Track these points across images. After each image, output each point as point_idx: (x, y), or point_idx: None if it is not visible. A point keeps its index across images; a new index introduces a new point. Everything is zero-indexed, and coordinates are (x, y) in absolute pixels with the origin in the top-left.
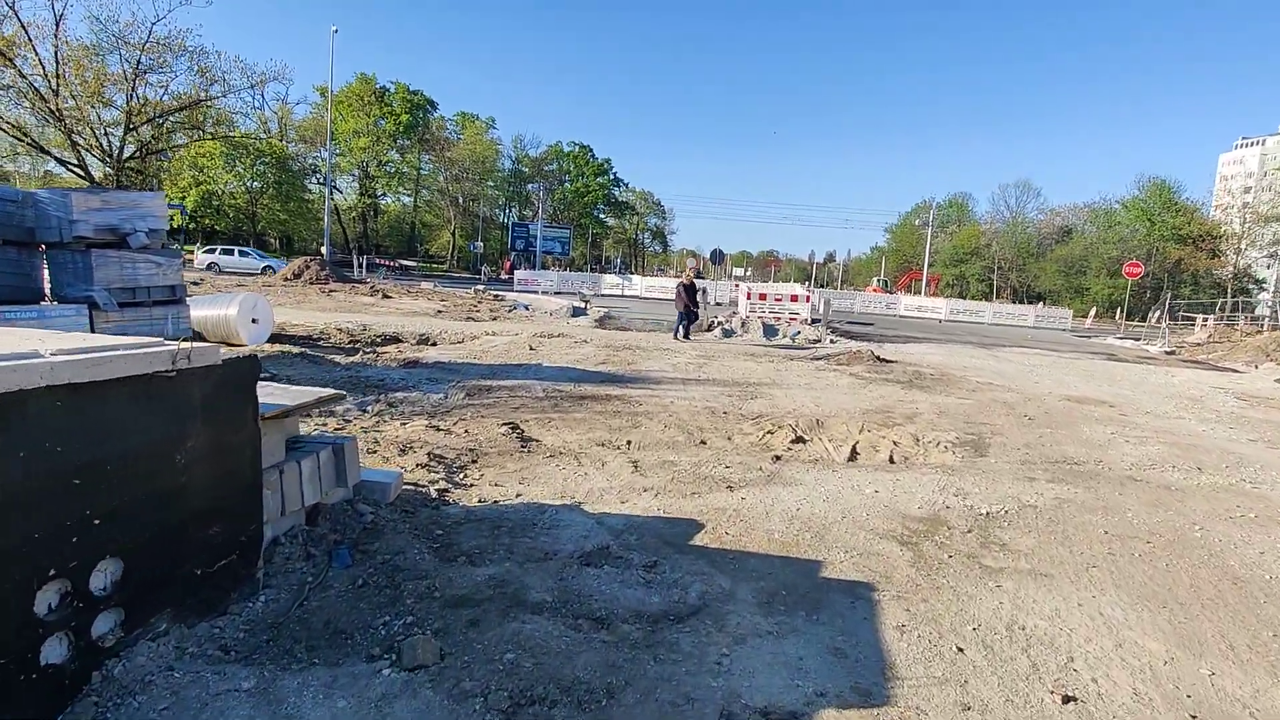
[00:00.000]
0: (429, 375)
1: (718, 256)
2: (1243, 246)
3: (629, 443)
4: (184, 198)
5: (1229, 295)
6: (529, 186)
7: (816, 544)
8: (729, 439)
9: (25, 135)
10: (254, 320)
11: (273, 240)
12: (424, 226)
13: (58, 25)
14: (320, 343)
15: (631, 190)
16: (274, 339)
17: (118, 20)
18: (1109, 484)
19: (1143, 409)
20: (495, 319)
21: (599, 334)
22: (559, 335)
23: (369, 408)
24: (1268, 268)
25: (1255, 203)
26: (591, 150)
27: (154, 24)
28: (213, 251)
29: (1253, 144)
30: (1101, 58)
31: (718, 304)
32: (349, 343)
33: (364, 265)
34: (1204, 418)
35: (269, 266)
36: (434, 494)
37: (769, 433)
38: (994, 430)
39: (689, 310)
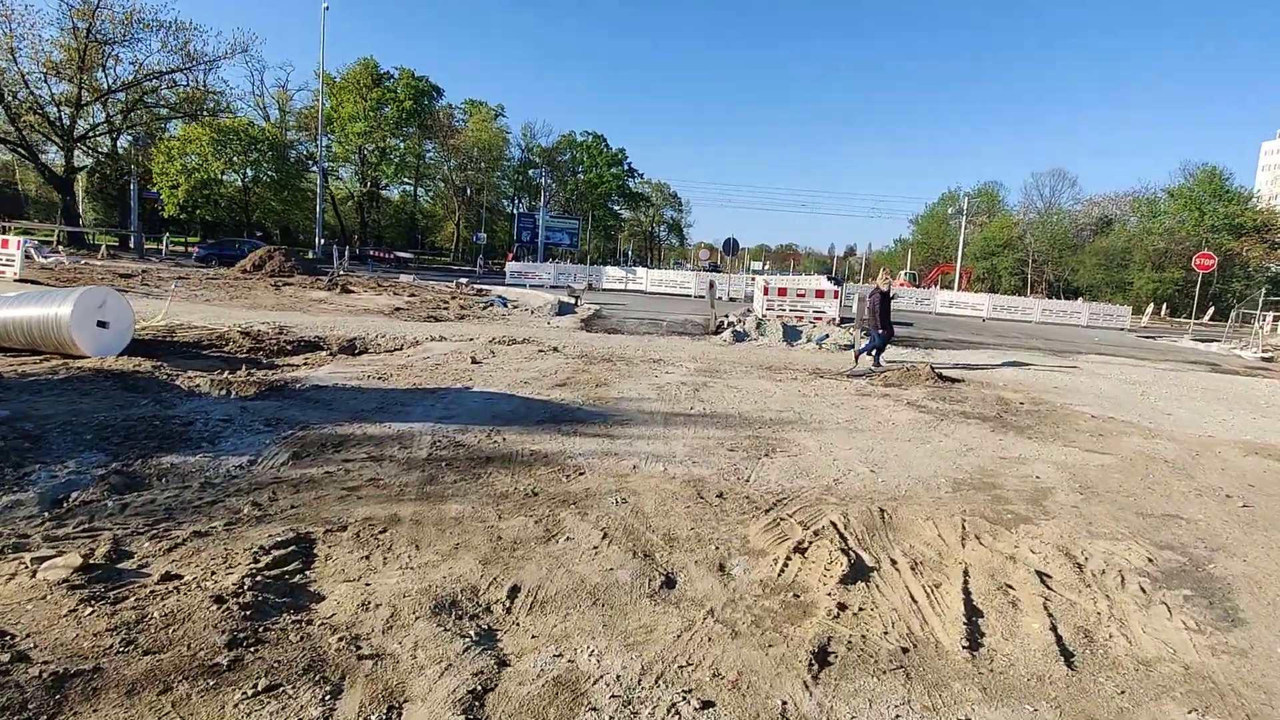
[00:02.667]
0: (279, 411)
1: (731, 246)
2: None
3: (511, 599)
4: (175, 187)
5: None
6: (531, 172)
7: None
8: (721, 571)
9: None
10: (102, 324)
11: (274, 231)
12: (425, 217)
13: None
14: (206, 352)
15: (647, 182)
16: (145, 347)
17: None
18: None
19: None
20: (462, 318)
21: (578, 338)
22: (524, 341)
23: (70, 498)
24: None
25: None
26: (605, 140)
27: None
28: (213, 246)
29: None
30: (1136, 43)
31: (729, 299)
32: (246, 351)
33: (340, 255)
34: None
35: None
36: None
37: (797, 551)
38: (1203, 537)
39: (881, 328)
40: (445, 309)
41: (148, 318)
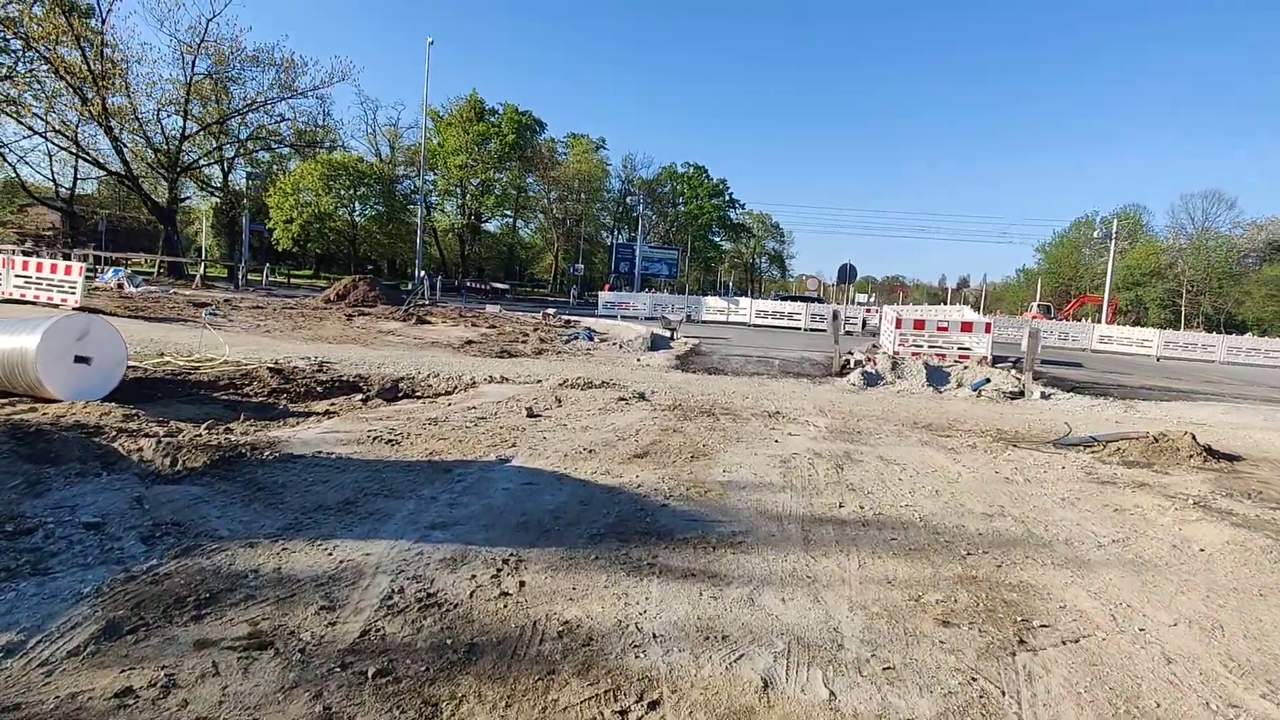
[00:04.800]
0: (190, 508)
1: (848, 274)
2: None
3: None
4: (289, 221)
5: None
6: (629, 200)
7: None
8: None
9: (74, 140)
10: (82, 359)
11: (381, 264)
12: (525, 248)
13: (104, 18)
14: (220, 393)
15: (749, 213)
16: (142, 388)
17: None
18: None
19: None
20: (539, 354)
21: (671, 381)
22: (603, 384)
23: None
24: None
25: None
26: (706, 171)
27: (209, 20)
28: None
29: None
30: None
31: (846, 332)
32: (268, 394)
33: (431, 286)
34: None
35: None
36: None
37: None
38: None
39: None
40: (523, 342)
41: (185, 352)
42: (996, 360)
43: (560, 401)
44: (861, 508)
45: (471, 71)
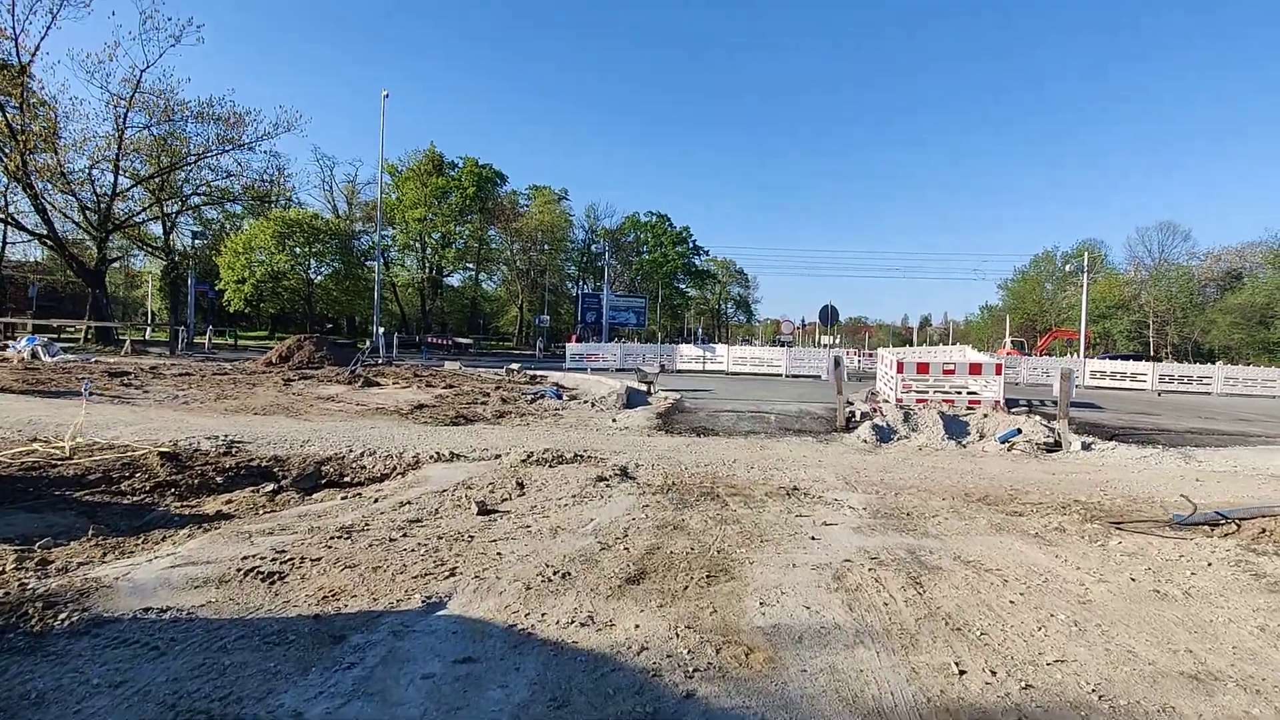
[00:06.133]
0: None
1: (829, 315)
2: None
3: None
4: (241, 282)
5: None
6: (593, 247)
7: None
8: None
9: None
10: None
11: (342, 323)
12: (488, 301)
13: (21, 71)
14: (83, 492)
15: (713, 259)
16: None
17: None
18: None
19: None
20: (500, 417)
21: (657, 447)
22: (576, 457)
23: None
24: None
25: None
26: (669, 219)
27: (143, 70)
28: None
29: None
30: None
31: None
32: (150, 489)
33: (387, 344)
34: None
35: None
36: None
37: None
38: None
39: None
40: (483, 404)
41: (70, 435)
42: (1009, 404)
43: (523, 486)
44: (993, 674)
45: (429, 128)
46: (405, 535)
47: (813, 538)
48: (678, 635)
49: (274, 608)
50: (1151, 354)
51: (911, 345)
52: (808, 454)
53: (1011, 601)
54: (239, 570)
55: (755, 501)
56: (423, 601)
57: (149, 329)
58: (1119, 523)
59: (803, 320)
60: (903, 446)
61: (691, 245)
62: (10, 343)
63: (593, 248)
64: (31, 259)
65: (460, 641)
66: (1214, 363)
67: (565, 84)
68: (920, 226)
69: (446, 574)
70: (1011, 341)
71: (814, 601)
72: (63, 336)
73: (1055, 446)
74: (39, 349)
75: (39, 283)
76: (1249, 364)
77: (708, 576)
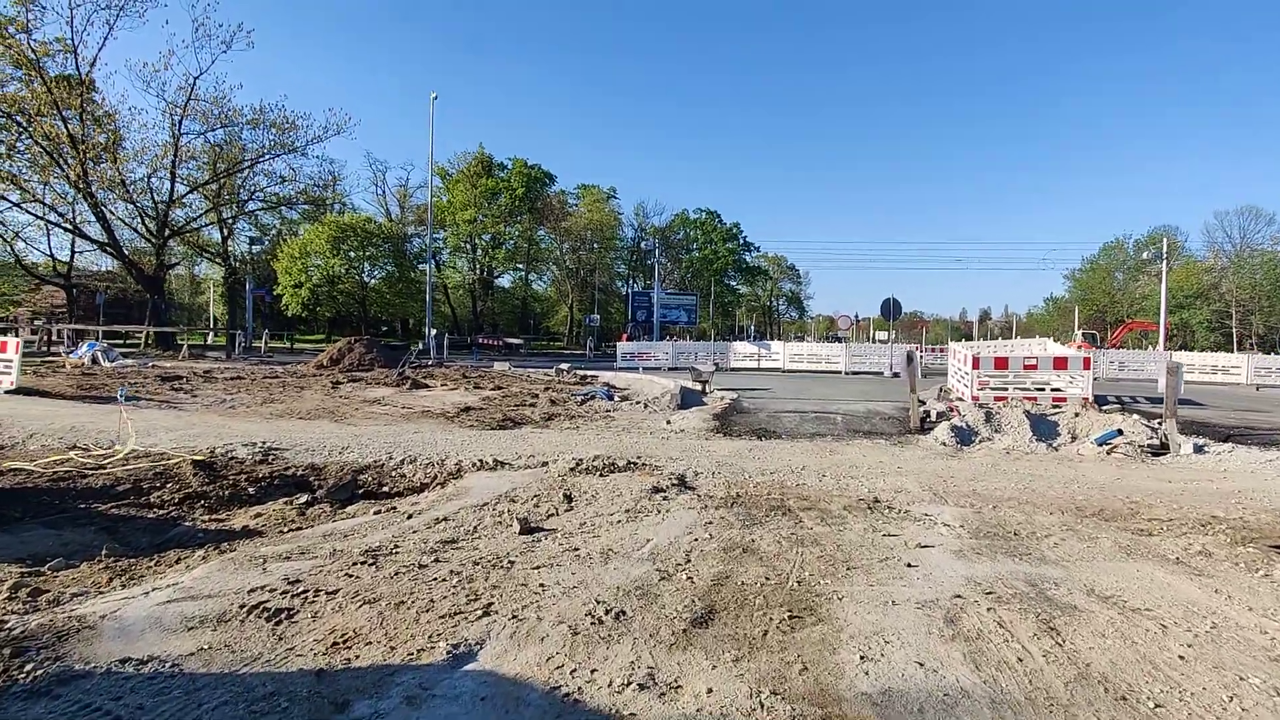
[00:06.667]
0: None
1: (891, 309)
2: None
3: None
4: (299, 286)
5: None
6: (642, 244)
7: None
8: None
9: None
10: None
11: (396, 325)
12: (538, 301)
13: (84, 84)
14: (111, 504)
15: (764, 255)
16: (17, 496)
17: (161, 78)
18: None
19: None
20: (549, 420)
21: (716, 452)
22: (629, 465)
23: None
24: None
25: None
26: (719, 216)
27: (196, 78)
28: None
29: None
30: None
31: (894, 374)
32: (178, 500)
33: (437, 345)
34: None
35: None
36: None
37: None
38: None
39: None
40: (531, 406)
41: (106, 443)
42: (1099, 401)
43: (571, 500)
44: None
45: (478, 131)
46: (437, 560)
47: (909, 564)
48: (762, 705)
49: (273, 658)
50: (1235, 345)
51: (972, 339)
52: (884, 459)
53: (1181, 657)
54: (243, 606)
55: (833, 517)
56: (448, 653)
57: (211, 334)
58: (1277, 543)
59: (856, 315)
60: (987, 450)
61: (742, 241)
62: (72, 349)
63: (642, 245)
64: (100, 268)
65: (489, 712)
66: None
67: (613, 78)
68: (978, 218)
69: (479, 612)
70: (1083, 334)
71: (928, 655)
72: (126, 343)
73: (1162, 449)
74: (98, 354)
75: (106, 291)
76: None
77: (790, 616)
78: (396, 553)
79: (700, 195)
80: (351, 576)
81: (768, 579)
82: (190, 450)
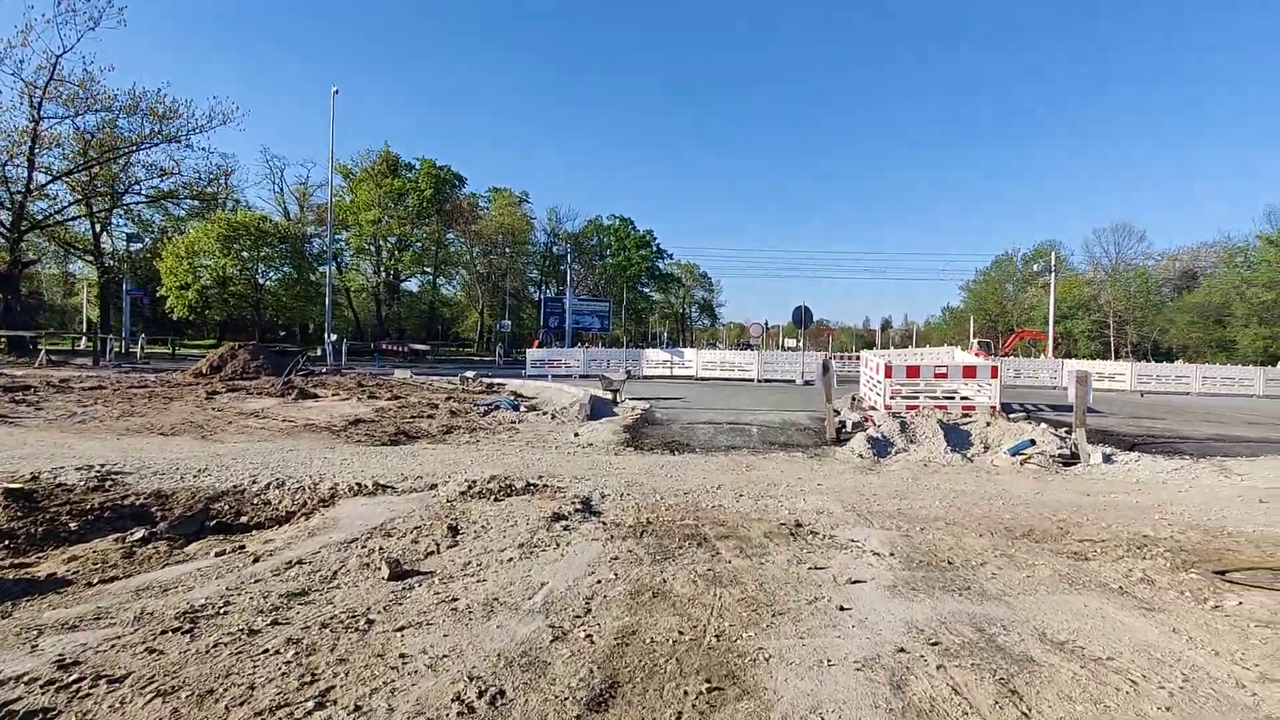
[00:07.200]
0: None
1: (803, 318)
2: None
3: None
4: (185, 288)
5: None
6: (555, 249)
7: None
8: None
9: None
10: None
11: (294, 330)
12: (447, 306)
13: None
14: None
15: (677, 263)
16: None
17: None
18: None
19: None
20: (447, 433)
21: (626, 469)
22: (529, 486)
23: None
24: None
25: None
26: (632, 223)
27: (59, 56)
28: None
29: None
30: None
31: (806, 382)
32: None
33: (337, 352)
34: None
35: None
36: None
37: None
38: None
39: None
40: (430, 417)
41: None
42: (1005, 409)
43: (456, 532)
44: None
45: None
46: (275, 623)
47: (841, 607)
48: None
49: None
50: (1113, 353)
51: (875, 347)
52: (802, 474)
53: None
54: None
55: (753, 546)
56: None
57: (83, 338)
58: (1221, 571)
59: (766, 323)
60: (904, 461)
61: (655, 249)
62: None
63: (555, 250)
64: None
65: None
66: (1172, 361)
67: (526, 82)
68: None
69: (312, 704)
70: (978, 342)
71: None
72: None
73: (1072, 459)
74: None
75: None
76: (1206, 361)
77: (709, 689)
78: (225, 613)
79: (613, 203)
80: (154, 652)
81: (682, 633)
82: (8, 476)
